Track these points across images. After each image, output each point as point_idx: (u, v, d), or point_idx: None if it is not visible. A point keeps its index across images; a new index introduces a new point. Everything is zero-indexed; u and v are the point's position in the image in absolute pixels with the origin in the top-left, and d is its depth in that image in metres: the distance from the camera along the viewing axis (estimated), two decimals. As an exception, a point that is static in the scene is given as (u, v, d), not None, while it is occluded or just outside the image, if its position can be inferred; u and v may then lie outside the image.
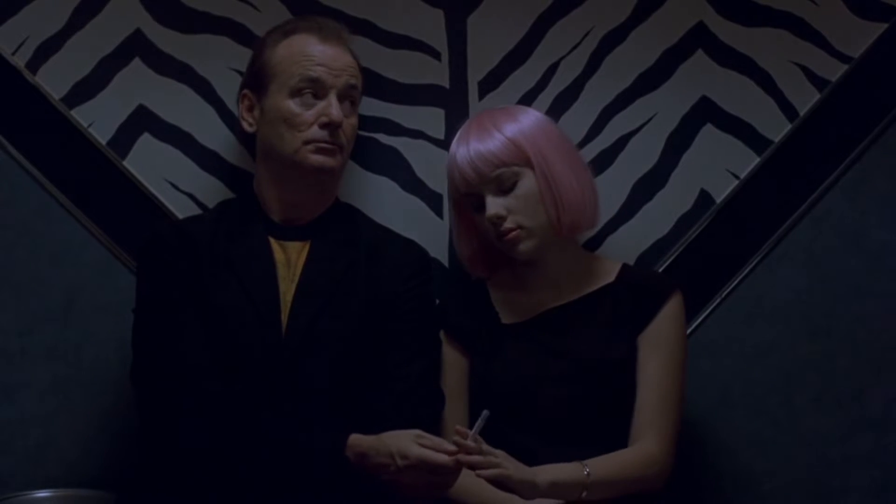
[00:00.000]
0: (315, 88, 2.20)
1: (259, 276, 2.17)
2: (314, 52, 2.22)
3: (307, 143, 2.18)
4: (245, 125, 2.26)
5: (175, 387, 2.08)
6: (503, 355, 2.26)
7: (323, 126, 2.18)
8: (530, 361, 2.24)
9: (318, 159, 2.19)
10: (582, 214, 2.25)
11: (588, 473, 2.09)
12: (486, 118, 2.27)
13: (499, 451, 2.05)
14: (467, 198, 2.26)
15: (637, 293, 2.27)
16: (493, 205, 2.20)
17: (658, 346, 2.23)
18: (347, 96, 2.23)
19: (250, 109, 2.25)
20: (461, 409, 2.25)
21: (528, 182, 2.21)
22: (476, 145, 2.22)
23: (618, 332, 2.24)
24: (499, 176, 2.20)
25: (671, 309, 2.25)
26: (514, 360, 2.25)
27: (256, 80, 2.24)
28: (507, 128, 2.24)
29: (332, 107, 2.19)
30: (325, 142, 2.19)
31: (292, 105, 2.19)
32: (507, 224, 2.20)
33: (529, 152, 2.22)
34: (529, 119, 2.28)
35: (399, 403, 2.14)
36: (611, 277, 2.30)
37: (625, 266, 2.34)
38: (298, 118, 2.19)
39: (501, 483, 2.01)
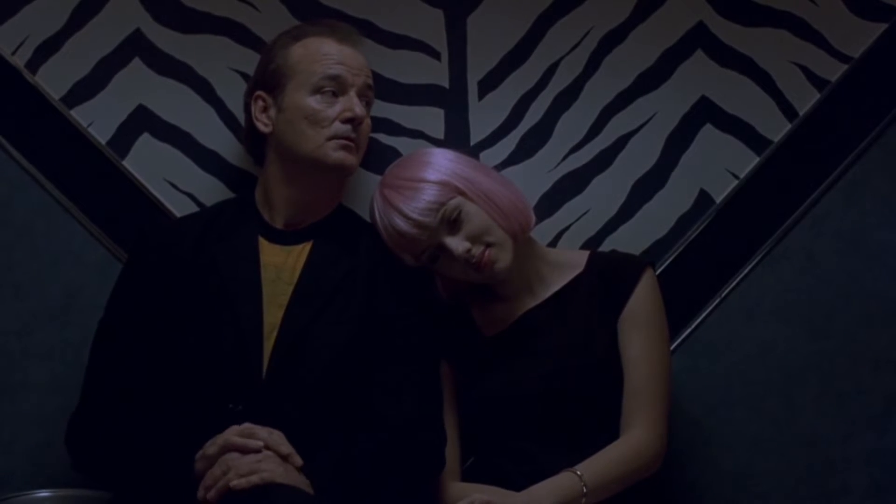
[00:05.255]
0: (336, 86, 2.21)
1: (242, 278, 2.17)
2: (332, 52, 2.24)
3: (330, 139, 2.19)
4: (260, 126, 2.25)
5: (90, 410, 2.17)
6: (489, 367, 2.26)
7: (346, 121, 2.20)
8: (516, 367, 2.24)
9: (339, 156, 2.20)
10: (524, 213, 2.26)
11: (584, 486, 2.10)
12: (397, 181, 2.24)
13: (492, 488, 2.09)
14: (420, 258, 2.23)
15: (608, 277, 2.27)
16: (456, 243, 2.19)
17: (637, 326, 2.23)
18: (364, 96, 2.25)
19: (265, 110, 2.25)
20: (450, 425, 2.25)
21: (469, 207, 2.21)
22: (409, 206, 2.19)
23: (597, 321, 2.24)
24: (443, 216, 2.19)
25: (645, 285, 2.25)
26: (500, 369, 2.25)
27: (271, 81, 2.24)
28: (426, 175, 2.22)
29: (355, 103, 2.21)
30: (348, 138, 2.20)
31: (313, 102, 2.20)
32: (476, 250, 2.19)
33: (456, 183, 2.21)
34: (435, 156, 2.27)
35: (394, 413, 2.12)
36: (580, 268, 2.30)
37: (592, 253, 2.34)
38: (320, 114, 2.20)
39: None
